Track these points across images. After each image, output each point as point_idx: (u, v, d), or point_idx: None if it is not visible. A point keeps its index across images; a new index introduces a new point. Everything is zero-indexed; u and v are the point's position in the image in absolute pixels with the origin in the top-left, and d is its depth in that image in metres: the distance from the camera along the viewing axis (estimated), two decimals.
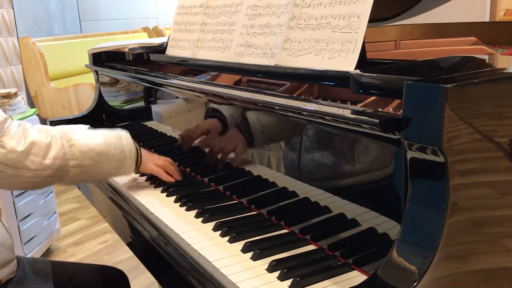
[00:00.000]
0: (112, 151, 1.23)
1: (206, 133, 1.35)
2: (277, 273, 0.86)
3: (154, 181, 1.36)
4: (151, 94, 1.71)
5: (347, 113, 0.82)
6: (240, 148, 1.20)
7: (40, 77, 3.62)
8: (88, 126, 1.38)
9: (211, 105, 1.30)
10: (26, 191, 2.50)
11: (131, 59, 1.85)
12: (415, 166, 0.73)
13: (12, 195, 2.41)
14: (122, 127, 1.91)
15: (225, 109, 1.24)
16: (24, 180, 1.13)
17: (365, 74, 0.86)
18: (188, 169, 1.44)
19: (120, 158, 1.24)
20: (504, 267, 0.80)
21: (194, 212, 1.15)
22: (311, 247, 0.96)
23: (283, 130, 1.08)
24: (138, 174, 1.44)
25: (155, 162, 1.33)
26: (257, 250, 0.93)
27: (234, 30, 1.32)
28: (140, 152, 1.31)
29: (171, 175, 1.34)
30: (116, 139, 1.25)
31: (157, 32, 4.89)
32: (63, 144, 1.16)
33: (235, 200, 1.20)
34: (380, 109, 0.81)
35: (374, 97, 0.89)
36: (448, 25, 1.88)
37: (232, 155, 1.25)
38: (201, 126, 1.38)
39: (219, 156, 1.29)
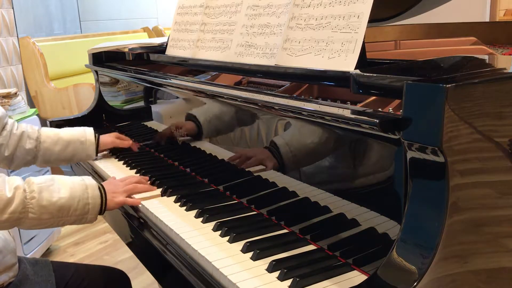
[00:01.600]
0: (75, 205, 1.17)
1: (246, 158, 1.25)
2: (277, 273, 0.86)
3: (154, 182, 1.36)
4: (151, 94, 1.71)
5: (347, 113, 0.82)
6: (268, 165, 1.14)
7: (40, 77, 3.62)
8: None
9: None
10: None
11: (131, 59, 1.85)
12: (415, 166, 0.73)
13: None
14: (122, 127, 1.91)
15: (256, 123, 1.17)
16: None
17: (365, 74, 0.86)
18: (188, 169, 1.44)
19: (82, 212, 1.18)
20: (504, 267, 0.80)
21: (194, 212, 1.15)
22: (311, 247, 0.96)
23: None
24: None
25: (124, 190, 1.26)
26: (257, 250, 0.93)
27: (234, 30, 1.32)
28: (105, 199, 1.22)
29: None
30: (82, 191, 1.19)
31: (157, 32, 4.88)
32: (25, 197, 1.11)
33: (235, 200, 1.20)
34: (380, 109, 0.81)
35: (374, 97, 0.89)
36: (448, 25, 1.88)
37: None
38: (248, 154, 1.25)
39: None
